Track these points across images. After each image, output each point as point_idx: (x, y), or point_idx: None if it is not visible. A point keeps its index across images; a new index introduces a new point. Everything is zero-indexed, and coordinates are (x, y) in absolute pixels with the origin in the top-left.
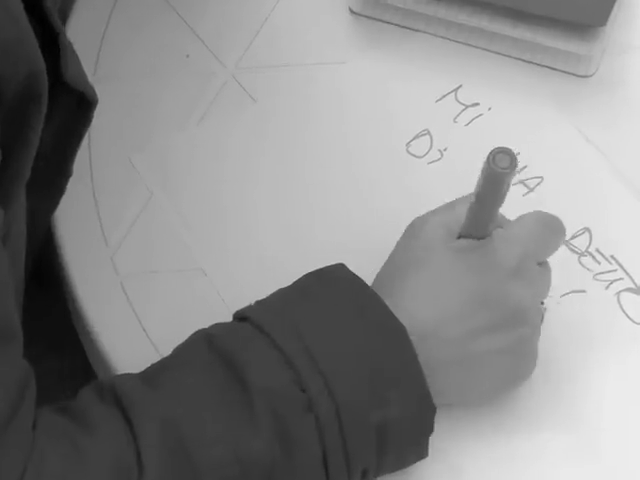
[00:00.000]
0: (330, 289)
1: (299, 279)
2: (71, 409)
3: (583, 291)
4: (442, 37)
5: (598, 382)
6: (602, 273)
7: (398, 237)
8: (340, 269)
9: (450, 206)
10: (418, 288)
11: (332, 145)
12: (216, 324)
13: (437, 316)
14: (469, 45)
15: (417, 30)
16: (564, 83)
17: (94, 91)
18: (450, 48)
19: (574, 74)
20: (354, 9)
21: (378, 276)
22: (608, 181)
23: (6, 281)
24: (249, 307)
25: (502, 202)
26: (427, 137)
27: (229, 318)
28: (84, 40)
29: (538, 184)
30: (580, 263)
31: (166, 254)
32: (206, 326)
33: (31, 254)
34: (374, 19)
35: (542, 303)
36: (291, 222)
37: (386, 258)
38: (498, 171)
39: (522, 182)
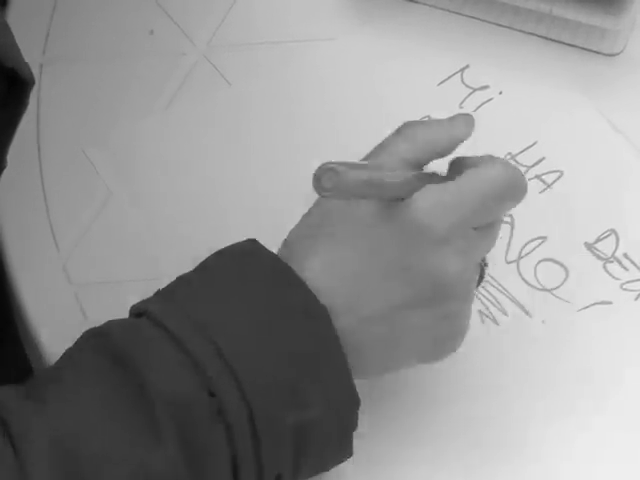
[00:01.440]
0: (240, 271)
1: (204, 261)
2: None
3: (609, 302)
4: (445, 9)
5: (625, 405)
6: (631, 282)
7: None
8: (251, 245)
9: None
10: (332, 257)
11: (318, 135)
12: (110, 321)
13: (353, 291)
14: (476, 19)
15: (417, 1)
16: (586, 62)
17: (29, 69)
18: (455, 22)
19: (598, 52)
20: None
21: (287, 241)
22: (637, 175)
23: None
24: (147, 299)
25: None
26: None
27: None
28: (31, 13)
29: (557, 179)
30: (605, 270)
31: (127, 262)
32: None
33: None
34: None
35: (483, 260)
36: (272, 224)
37: None
38: (322, 194)
39: (538, 177)
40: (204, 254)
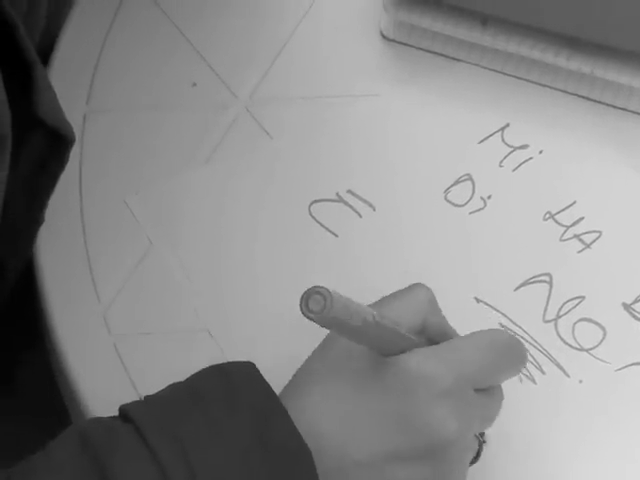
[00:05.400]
0: (230, 398)
1: (196, 376)
2: None
3: None
4: (487, 68)
5: None
6: None
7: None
8: (247, 370)
9: None
10: (328, 398)
11: (360, 190)
12: (96, 419)
13: (347, 433)
14: (518, 78)
15: (459, 60)
16: (627, 123)
17: (71, 128)
18: (496, 81)
19: (638, 113)
20: (387, 34)
21: (292, 380)
22: None
23: None
24: (137, 404)
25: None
26: (469, 183)
27: None
28: (76, 65)
29: (596, 239)
30: None
31: (166, 312)
32: None
33: None
34: (410, 46)
35: (482, 436)
36: (312, 280)
37: None
38: (309, 315)
39: (577, 237)
40: (244, 307)
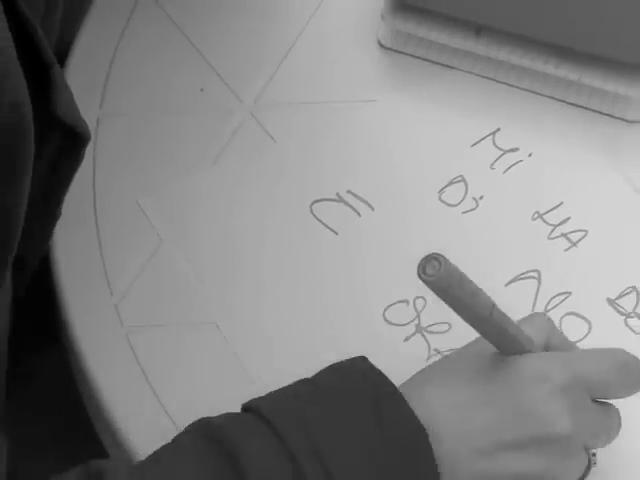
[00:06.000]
0: (346, 385)
1: (316, 375)
2: None
3: None
4: (480, 75)
5: None
6: None
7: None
8: (360, 363)
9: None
10: (447, 388)
11: (359, 190)
12: (224, 414)
13: (465, 421)
14: (509, 85)
15: (453, 67)
16: (612, 128)
17: (87, 126)
18: (488, 87)
19: (623, 119)
20: (384, 43)
21: (418, 372)
22: None
23: None
24: (258, 399)
25: (477, 309)
26: (462, 184)
27: (244, 377)
28: (89, 71)
29: (582, 238)
30: (627, 325)
31: (176, 306)
32: (219, 387)
33: (16, 304)
34: (406, 54)
35: (594, 455)
36: (314, 275)
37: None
38: (425, 279)
39: (564, 235)
40: (250, 300)
